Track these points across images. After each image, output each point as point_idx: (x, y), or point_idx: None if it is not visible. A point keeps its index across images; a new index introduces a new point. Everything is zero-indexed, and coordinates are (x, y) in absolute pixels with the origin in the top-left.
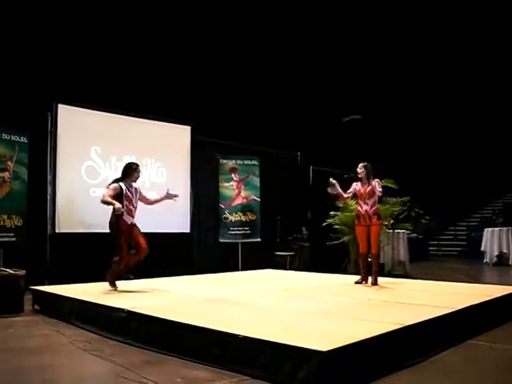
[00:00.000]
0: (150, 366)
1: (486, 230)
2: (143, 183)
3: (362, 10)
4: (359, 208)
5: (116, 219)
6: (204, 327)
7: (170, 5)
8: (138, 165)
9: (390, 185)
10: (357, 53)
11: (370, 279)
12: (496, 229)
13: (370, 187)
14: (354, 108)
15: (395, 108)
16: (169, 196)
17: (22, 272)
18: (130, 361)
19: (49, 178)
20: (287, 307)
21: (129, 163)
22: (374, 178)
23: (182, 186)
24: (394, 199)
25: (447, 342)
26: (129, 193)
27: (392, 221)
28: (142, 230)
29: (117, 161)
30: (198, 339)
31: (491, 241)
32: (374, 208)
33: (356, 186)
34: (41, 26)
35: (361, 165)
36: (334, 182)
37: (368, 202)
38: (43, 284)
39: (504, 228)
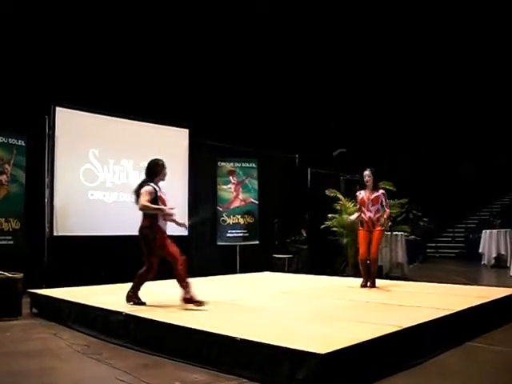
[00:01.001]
0: (149, 369)
1: (483, 231)
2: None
3: (360, 11)
4: (363, 215)
5: (151, 223)
6: (202, 330)
7: (168, 8)
8: (163, 161)
9: (388, 187)
10: (354, 54)
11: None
12: (494, 231)
13: (374, 195)
14: (351, 110)
15: (393, 110)
16: (179, 224)
17: (20, 275)
18: (128, 364)
19: (46, 180)
20: (285, 310)
21: (154, 160)
22: (379, 188)
23: (180, 188)
24: (392, 201)
25: (446, 344)
26: (162, 194)
27: (390, 223)
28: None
29: (114, 164)
30: (197, 342)
31: (489, 243)
32: (377, 215)
33: (359, 194)
34: (39, 29)
35: (368, 172)
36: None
37: (371, 208)
38: (41, 287)
39: (502, 230)
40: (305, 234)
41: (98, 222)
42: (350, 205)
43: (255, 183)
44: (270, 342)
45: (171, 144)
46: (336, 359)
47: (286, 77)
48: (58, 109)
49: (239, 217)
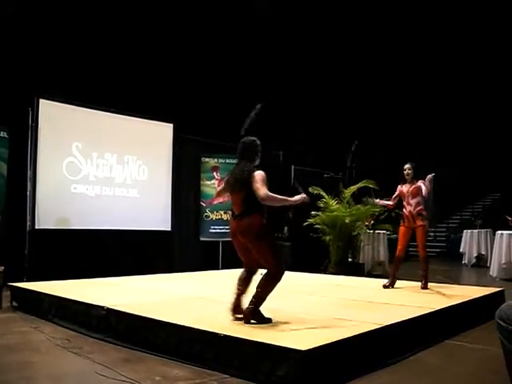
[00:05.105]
0: (130, 364)
1: (465, 231)
2: (124, 180)
3: (347, 12)
4: (403, 210)
5: (262, 222)
6: (184, 325)
7: (153, 2)
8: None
9: (370, 185)
10: (340, 50)
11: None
12: (475, 231)
13: (413, 187)
14: (337, 107)
15: (377, 108)
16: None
17: (1, 268)
18: (109, 358)
19: (29, 173)
20: (267, 306)
21: (250, 139)
22: (418, 179)
23: (164, 183)
24: (375, 200)
25: (426, 342)
26: None
27: (372, 221)
28: (122, 228)
29: (98, 158)
30: (178, 337)
31: (470, 242)
32: (417, 208)
33: (400, 187)
34: (22, 20)
35: (408, 165)
36: (377, 202)
37: (411, 202)
38: (22, 281)
39: (483, 230)
40: (286, 232)
41: (80, 216)
42: (333, 202)
43: None
44: (252, 339)
45: (155, 138)
46: (317, 356)
47: (273, 74)
48: (41, 101)
49: (222, 212)
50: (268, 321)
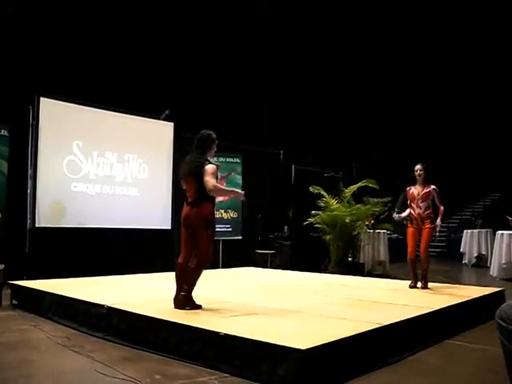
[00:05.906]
0: (130, 363)
1: (465, 231)
2: (125, 179)
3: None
4: (412, 211)
5: (211, 210)
6: (185, 324)
7: (153, 2)
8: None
9: (371, 185)
10: (340, 51)
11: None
12: (475, 231)
13: (424, 190)
14: (337, 106)
15: (377, 108)
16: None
17: (1, 266)
18: (109, 357)
19: (29, 171)
20: (267, 305)
21: (207, 132)
22: (430, 184)
23: (164, 182)
24: (376, 199)
25: (425, 342)
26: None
27: (373, 221)
28: (122, 226)
29: (98, 156)
30: (179, 336)
31: (470, 242)
32: (427, 212)
33: (409, 189)
34: (23, 19)
35: (420, 166)
36: (397, 218)
37: (421, 205)
38: (22, 279)
39: (483, 230)
40: (286, 231)
41: (80, 214)
42: (333, 202)
43: (239, 178)
44: (253, 338)
45: (156, 137)
46: (317, 355)
47: (273, 74)
48: (42, 99)
49: (223, 211)
50: (199, 307)
